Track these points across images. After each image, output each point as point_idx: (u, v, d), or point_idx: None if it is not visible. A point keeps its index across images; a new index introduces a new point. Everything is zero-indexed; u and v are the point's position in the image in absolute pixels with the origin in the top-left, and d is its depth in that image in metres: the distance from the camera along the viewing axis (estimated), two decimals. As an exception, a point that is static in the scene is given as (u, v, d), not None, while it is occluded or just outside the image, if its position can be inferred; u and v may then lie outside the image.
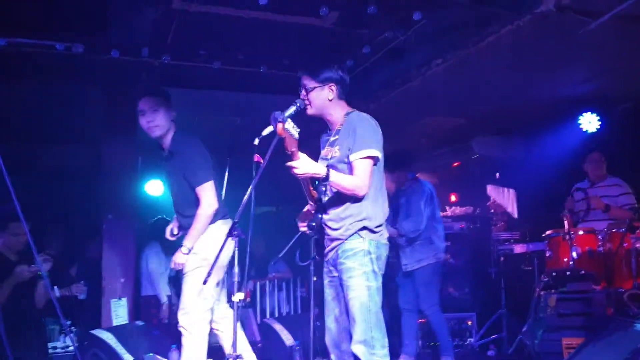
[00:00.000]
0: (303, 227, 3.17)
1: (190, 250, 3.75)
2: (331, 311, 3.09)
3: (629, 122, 6.15)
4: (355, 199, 2.97)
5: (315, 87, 3.07)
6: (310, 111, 3.10)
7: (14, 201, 3.79)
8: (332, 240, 3.05)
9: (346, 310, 2.98)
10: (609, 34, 4.37)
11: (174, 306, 6.41)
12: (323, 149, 3.22)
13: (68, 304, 5.07)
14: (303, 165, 2.81)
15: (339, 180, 2.91)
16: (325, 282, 3.14)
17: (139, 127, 5.28)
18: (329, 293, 3.12)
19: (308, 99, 3.08)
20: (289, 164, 2.83)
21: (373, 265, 2.95)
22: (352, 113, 3.11)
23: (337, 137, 3.09)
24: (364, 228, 2.97)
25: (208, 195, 3.71)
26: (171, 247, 6.26)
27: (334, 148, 3.08)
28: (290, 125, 2.74)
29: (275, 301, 6.49)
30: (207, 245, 3.69)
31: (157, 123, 3.79)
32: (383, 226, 3.05)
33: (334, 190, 3.01)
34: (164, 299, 6.07)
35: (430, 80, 5.30)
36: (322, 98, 3.08)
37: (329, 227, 3.05)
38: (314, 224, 3.09)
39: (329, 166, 3.02)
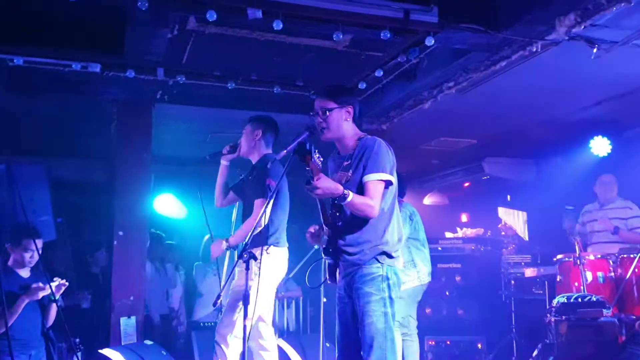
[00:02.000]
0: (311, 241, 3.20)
1: (228, 245, 3.93)
2: (344, 336, 3.06)
3: (639, 147, 6.13)
4: (371, 223, 2.96)
5: (334, 108, 3.07)
6: (327, 134, 3.10)
7: (26, 217, 3.85)
8: (349, 265, 3.02)
9: (360, 336, 2.93)
10: (620, 61, 4.39)
11: (174, 320, 6.38)
12: (333, 172, 3.20)
13: (75, 320, 5.08)
14: (323, 184, 2.81)
15: (355, 200, 2.89)
16: (338, 307, 3.11)
17: (153, 145, 5.42)
18: (342, 319, 3.08)
19: (326, 122, 3.07)
20: (311, 184, 2.84)
21: (390, 291, 2.94)
22: (365, 137, 3.10)
23: (349, 161, 3.08)
24: (382, 253, 2.96)
25: (260, 211, 3.82)
26: (161, 265, 6.33)
27: (347, 173, 3.06)
28: (316, 156, 2.79)
29: (284, 320, 6.48)
30: (266, 267, 3.78)
31: (241, 144, 4.15)
32: (399, 251, 3.05)
33: (349, 214, 3.00)
34: (157, 319, 6.04)
35: (442, 102, 5.33)
36: (340, 120, 3.08)
37: (346, 252, 3.02)
38: (330, 249, 3.08)
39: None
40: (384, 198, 3.00)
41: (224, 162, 4.23)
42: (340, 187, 2.87)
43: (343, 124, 3.10)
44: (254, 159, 4.14)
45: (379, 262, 2.95)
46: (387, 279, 2.94)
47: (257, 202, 3.91)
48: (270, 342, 3.99)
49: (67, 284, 4.35)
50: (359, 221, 2.98)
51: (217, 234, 6.41)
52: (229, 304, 3.85)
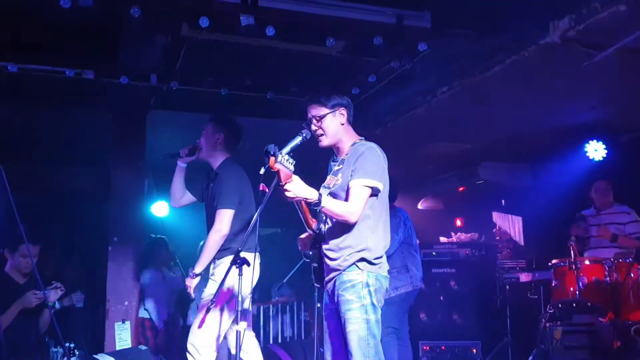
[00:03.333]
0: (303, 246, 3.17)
1: (196, 275, 3.81)
2: (330, 342, 3.05)
3: (635, 151, 6.15)
4: (355, 229, 2.94)
5: (327, 114, 3.07)
6: (325, 141, 3.10)
7: (19, 224, 3.84)
8: (331, 270, 3.02)
9: (345, 343, 2.92)
10: (614, 65, 4.39)
11: (177, 328, 6.38)
12: (329, 175, 3.21)
13: (69, 323, 5.07)
14: (294, 188, 2.78)
15: (331, 205, 2.88)
16: (325, 312, 3.10)
17: (147, 151, 5.42)
18: (327, 324, 3.07)
19: (322, 129, 3.07)
20: (281, 186, 2.81)
21: (372, 297, 2.90)
22: (357, 143, 3.09)
23: (341, 166, 3.08)
24: (362, 259, 2.93)
25: (222, 221, 3.77)
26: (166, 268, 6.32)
27: (336, 177, 3.06)
28: (284, 158, 2.72)
29: (278, 325, 6.47)
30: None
31: (202, 147, 4.07)
32: (383, 258, 3.01)
33: (334, 219, 2.99)
34: (161, 325, 6.04)
35: (436, 107, 5.32)
36: (335, 124, 3.08)
37: (328, 257, 3.02)
38: (310, 252, 3.08)
39: (330, 194, 3.02)
40: (371, 204, 2.98)
41: (182, 165, 4.17)
42: (314, 192, 2.83)
43: (338, 127, 3.09)
44: (214, 163, 4.06)
45: (359, 268, 2.92)
46: (368, 285, 2.90)
47: (221, 212, 3.81)
48: (250, 347, 3.94)
49: (63, 289, 4.35)
50: (342, 225, 2.96)
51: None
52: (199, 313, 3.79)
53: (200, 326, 3.70)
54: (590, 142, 6.32)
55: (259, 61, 4.67)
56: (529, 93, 5.22)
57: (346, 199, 2.96)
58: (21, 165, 6.60)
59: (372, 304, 2.90)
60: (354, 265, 2.92)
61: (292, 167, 2.75)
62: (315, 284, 3.15)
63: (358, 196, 2.91)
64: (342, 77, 4.99)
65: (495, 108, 5.61)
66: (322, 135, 3.08)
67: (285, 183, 2.75)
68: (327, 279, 3.05)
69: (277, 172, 2.73)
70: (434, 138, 6.64)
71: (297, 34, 4.07)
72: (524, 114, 5.79)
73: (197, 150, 4.11)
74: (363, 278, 2.91)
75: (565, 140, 6.42)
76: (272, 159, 2.69)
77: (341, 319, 2.93)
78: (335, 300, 2.98)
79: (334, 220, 2.99)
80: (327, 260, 3.03)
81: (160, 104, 5.30)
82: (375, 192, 2.98)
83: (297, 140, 2.99)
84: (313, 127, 3.08)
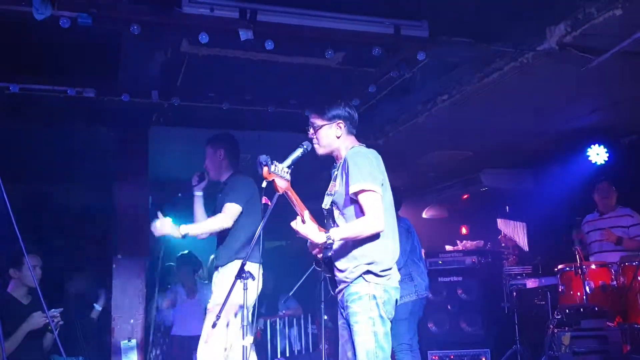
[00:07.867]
0: (316, 252, 3.11)
1: (183, 236, 3.82)
2: (344, 354, 3.03)
3: (636, 154, 6.14)
4: (361, 239, 2.90)
5: (323, 125, 3.06)
6: (320, 150, 3.11)
7: (19, 236, 3.84)
8: (339, 282, 3.01)
9: (354, 355, 2.90)
10: (613, 69, 4.40)
11: None
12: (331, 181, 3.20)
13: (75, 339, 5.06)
14: (304, 229, 2.83)
15: (345, 233, 2.87)
16: (339, 323, 3.09)
17: (149, 167, 5.43)
18: (341, 335, 3.06)
19: (317, 138, 3.08)
20: (292, 225, 2.86)
21: (379, 309, 2.86)
22: (352, 148, 3.06)
23: (337, 171, 3.08)
24: (368, 272, 2.89)
25: (226, 212, 3.85)
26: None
27: (335, 182, 3.06)
28: (278, 168, 2.77)
29: (286, 339, 6.43)
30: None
31: (208, 169, 4.19)
32: (392, 269, 2.97)
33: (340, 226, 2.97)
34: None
35: (436, 116, 5.34)
36: (331, 136, 3.07)
37: (337, 268, 3.00)
38: (323, 261, 3.07)
39: (333, 202, 3.02)
40: None
41: (197, 193, 4.24)
42: (322, 236, 2.84)
43: (334, 139, 3.07)
44: (224, 178, 4.18)
45: (366, 280, 2.88)
46: (375, 297, 2.86)
47: (228, 205, 3.89)
48: None
49: (61, 321, 4.31)
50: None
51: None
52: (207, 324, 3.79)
53: (206, 341, 3.69)
54: (592, 146, 6.33)
55: (259, 75, 4.70)
56: (528, 99, 5.23)
57: (349, 205, 2.94)
58: (23, 185, 6.64)
59: (380, 316, 2.86)
60: (361, 278, 2.89)
61: (287, 176, 2.81)
62: (332, 293, 3.15)
63: (369, 204, 2.86)
64: (343, 88, 5.00)
65: (496, 114, 5.62)
66: (317, 143, 3.10)
67: (283, 192, 2.80)
68: (337, 290, 3.04)
69: (273, 181, 2.78)
70: (435, 146, 6.66)
71: (296, 46, 4.09)
72: (525, 119, 5.81)
73: (205, 173, 4.20)
74: (370, 290, 2.87)
75: (566, 144, 6.43)
76: (265, 169, 2.75)
77: (351, 330, 2.91)
78: (345, 312, 2.96)
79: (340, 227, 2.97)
80: (336, 272, 3.01)
81: (162, 120, 5.33)
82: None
83: (299, 152, 3.02)
84: (310, 134, 3.10)
